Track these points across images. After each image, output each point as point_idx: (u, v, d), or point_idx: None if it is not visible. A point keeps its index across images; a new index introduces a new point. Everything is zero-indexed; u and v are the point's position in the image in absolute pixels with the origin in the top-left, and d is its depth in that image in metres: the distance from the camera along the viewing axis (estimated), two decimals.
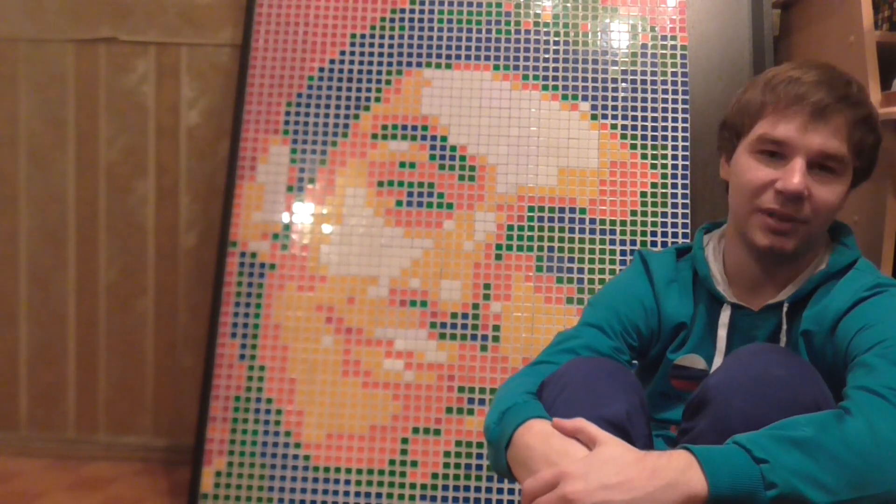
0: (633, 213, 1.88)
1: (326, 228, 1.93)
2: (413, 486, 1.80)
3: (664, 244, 1.85)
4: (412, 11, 2.01)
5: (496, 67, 1.97)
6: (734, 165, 1.11)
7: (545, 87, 1.95)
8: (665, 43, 1.95)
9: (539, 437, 0.92)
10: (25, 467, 2.20)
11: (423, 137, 1.95)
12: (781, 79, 1.07)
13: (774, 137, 1.05)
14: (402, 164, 1.94)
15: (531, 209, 1.90)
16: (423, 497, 1.79)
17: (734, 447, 0.82)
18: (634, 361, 1.20)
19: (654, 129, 1.91)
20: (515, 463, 0.95)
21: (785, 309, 1.08)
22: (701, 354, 1.14)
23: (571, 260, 1.87)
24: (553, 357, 1.10)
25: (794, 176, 1.02)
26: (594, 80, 1.95)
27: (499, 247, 1.89)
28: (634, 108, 1.92)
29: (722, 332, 1.12)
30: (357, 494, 1.80)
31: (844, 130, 1.03)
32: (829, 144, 1.03)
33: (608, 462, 0.83)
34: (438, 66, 1.98)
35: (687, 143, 1.89)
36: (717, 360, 1.12)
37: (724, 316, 1.12)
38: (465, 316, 1.86)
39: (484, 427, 1.04)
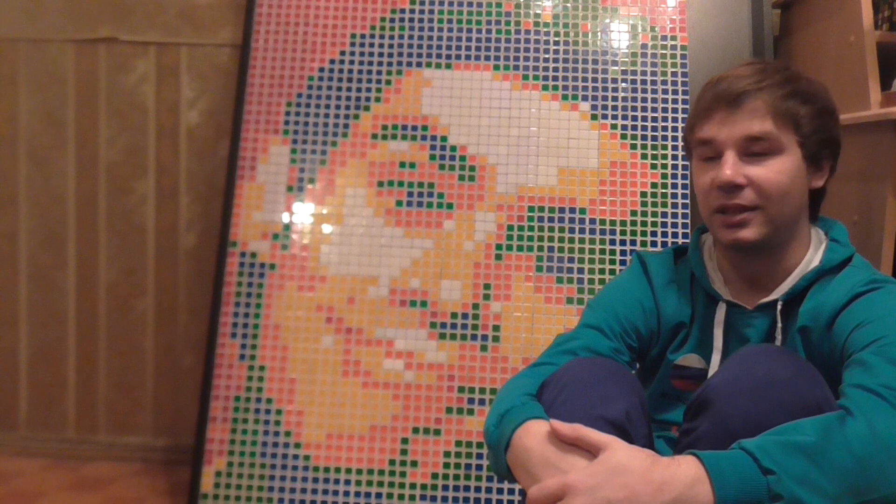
0: (633, 213, 1.88)
1: (326, 228, 1.93)
2: (413, 486, 1.80)
3: (664, 244, 1.85)
4: (412, 11, 2.01)
5: (496, 67, 1.97)
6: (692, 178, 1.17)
7: (545, 87, 1.95)
8: (665, 43, 1.95)
9: (537, 438, 0.92)
10: (25, 467, 2.20)
11: (423, 137, 1.95)
12: (705, 87, 1.12)
13: (701, 139, 1.10)
14: (402, 164, 1.94)
15: (531, 209, 1.90)
16: (423, 497, 1.79)
17: (742, 455, 0.82)
18: (635, 363, 1.20)
19: (654, 129, 1.91)
20: (515, 465, 0.95)
21: (779, 307, 1.08)
22: (699, 353, 1.15)
23: (571, 260, 1.87)
24: (553, 358, 1.10)
25: (725, 168, 1.06)
26: (594, 80, 1.95)
27: (499, 247, 1.89)
28: (634, 108, 1.92)
29: (718, 331, 1.12)
30: (357, 494, 1.80)
31: (765, 109, 1.06)
32: (751, 126, 1.06)
33: (615, 473, 0.83)
34: (438, 66, 1.98)
35: None
36: (715, 358, 1.12)
37: (720, 314, 1.13)
38: (465, 316, 1.86)
39: (483, 430, 1.04)
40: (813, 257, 1.11)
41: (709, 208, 1.10)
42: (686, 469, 0.82)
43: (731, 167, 1.06)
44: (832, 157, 1.13)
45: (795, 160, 1.08)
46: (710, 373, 1.11)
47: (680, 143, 1.89)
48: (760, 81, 1.07)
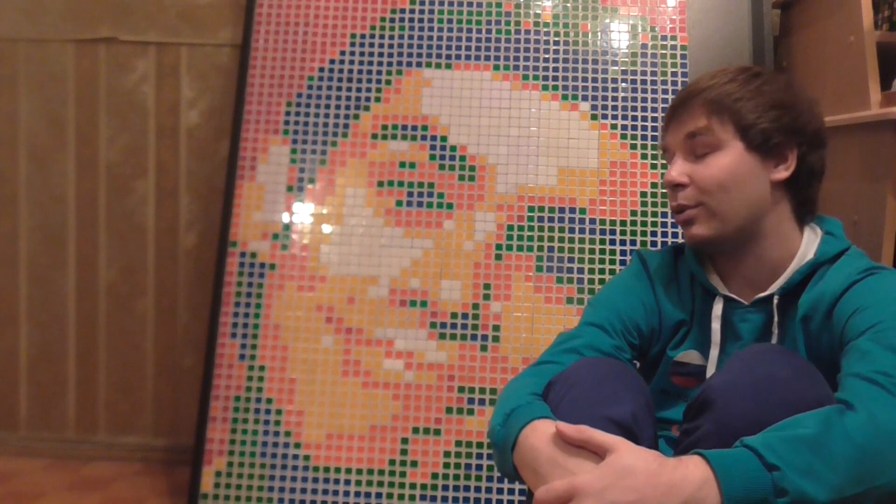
0: (633, 213, 1.88)
1: (326, 228, 1.93)
2: (413, 486, 1.80)
3: (664, 244, 1.85)
4: (412, 11, 2.01)
5: (496, 67, 1.97)
6: None
7: (545, 87, 1.95)
8: (665, 43, 1.96)
9: (544, 438, 0.91)
10: (25, 467, 2.20)
11: (423, 137, 1.95)
12: None
13: (662, 147, 1.17)
14: (402, 164, 1.94)
15: (531, 209, 1.90)
16: (423, 497, 1.79)
17: (745, 453, 0.82)
18: (636, 361, 1.20)
19: (654, 129, 1.91)
20: (522, 465, 0.95)
21: (775, 301, 1.09)
22: (698, 349, 1.15)
23: (571, 260, 1.87)
24: (556, 357, 1.10)
25: (670, 169, 1.12)
26: (594, 80, 1.95)
27: (499, 247, 1.89)
28: (634, 108, 1.92)
29: (716, 325, 1.12)
30: (357, 494, 1.80)
31: (702, 109, 1.10)
32: (688, 126, 1.10)
33: (623, 476, 0.82)
34: (438, 66, 1.98)
35: None
36: (713, 353, 1.12)
37: (717, 308, 1.13)
38: (465, 316, 1.86)
39: (489, 429, 1.04)
40: (807, 251, 1.11)
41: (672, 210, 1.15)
42: (694, 470, 0.82)
43: (675, 168, 1.11)
44: (796, 146, 1.10)
45: (736, 154, 1.08)
46: (709, 368, 1.12)
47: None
48: (705, 83, 1.11)
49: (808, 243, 1.12)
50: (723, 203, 1.08)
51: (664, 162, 1.88)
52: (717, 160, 1.09)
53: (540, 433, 0.93)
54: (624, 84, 1.94)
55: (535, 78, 1.96)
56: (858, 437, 0.81)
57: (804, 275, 1.08)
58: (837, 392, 0.89)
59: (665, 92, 1.92)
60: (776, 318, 1.08)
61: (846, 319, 0.98)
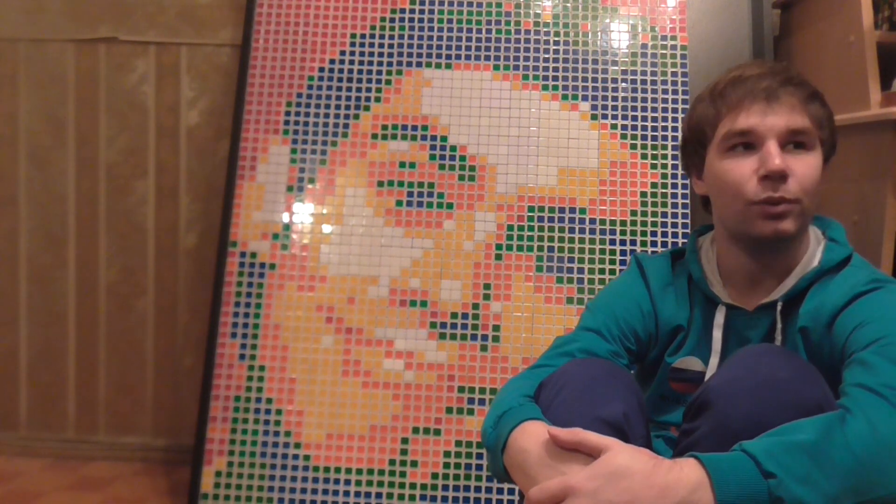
0: (633, 213, 1.88)
1: (326, 228, 1.93)
2: (413, 486, 1.80)
3: (664, 244, 1.85)
4: (412, 11, 2.01)
5: (496, 67, 1.97)
6: (709, 174, 1.13)
7: (545, 87, 1.95)
8: (665, 43, 1.95)
9: (534, 439, 0.92)
10: (25, 467, 2.20)
11: (423, 137, 1.95)
12: (725, 84, 1.12)
13: (740, 129, 1.07)
14: (402, 164, 1.94)
15: (531, 209, 1.90)
16: (423, 497, 1.79)
17: (743, 458, 0.82)
18: (633, 366, 1.20)
19: (654, 129, 1.91)
20: (512, 467, 0.95)
21: (779, 308, 1.08)
22: (698, 356, 1.14)
23: (571, 260, 1.87)
24: (551, 360, 1.10)
25: (774, 157, 1.04)
26: (594, 80, 1.95)
27: (499, 247, 1.89)
28: (634, 108, 1.92)
29: (717, 333, 1.12)
30: (357, 494, 1.80)
31: (800, 106, 1.07)
32: (793, 120, 1.06)
33: (617, 476, 0.82)
34: (438, 66, 1.98)
35: None
36: (714, 361, 1.12)
37: (719, 317, 1.12)
38: (465, 316, 1.86)
39: (481, 432, 1.04)
40: (812, 257, 1.11)
41: (744, 200, 1.07)
42: (688, 473, 0.82)
43: (779, 156, 1.04)
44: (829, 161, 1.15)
45: (821, 157, 1.09)
46: (708, 375, 1.11)
47: (680, 132, 1.89)
48: (790, 80, 1.09)
49: (813, 248, 1.12)
50: (811, 203, 1.08)
51: (664, 162, 1.89)
52: (814, 160, 1.08)
53: (529, 434, 0.93)
54: (624, 84, 1.94)
55: (535, 78, 1.96)
56: (858, 446, 0.81)
57: (808, 282, 1.08)
58: (839, 401, 0.89)
59: (665, 92, 1.92)
60: (779, 325, 1.08)
61: (849, 332, 0.98)
